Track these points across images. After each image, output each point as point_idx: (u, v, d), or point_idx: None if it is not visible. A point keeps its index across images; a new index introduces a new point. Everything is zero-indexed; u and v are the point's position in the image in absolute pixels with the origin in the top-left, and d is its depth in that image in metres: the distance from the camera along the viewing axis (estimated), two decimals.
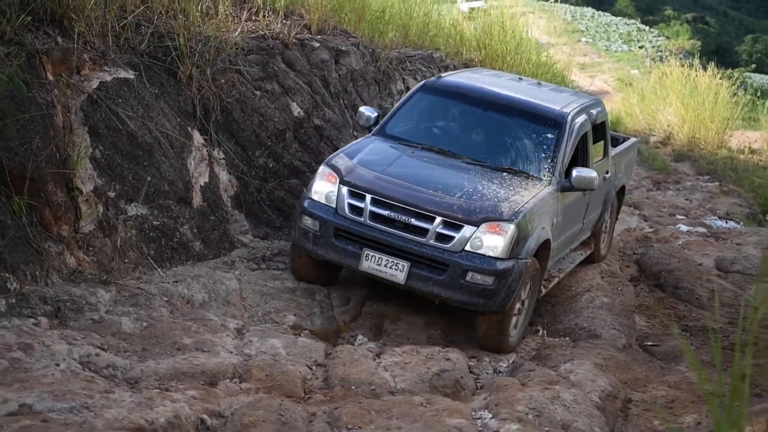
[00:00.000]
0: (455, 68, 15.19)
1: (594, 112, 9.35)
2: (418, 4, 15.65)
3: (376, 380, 6.61)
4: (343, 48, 12.18)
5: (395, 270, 7.29)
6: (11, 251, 6.55)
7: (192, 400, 5.62)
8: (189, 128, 8.89)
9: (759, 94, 32.41)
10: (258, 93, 9.88)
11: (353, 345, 7.50)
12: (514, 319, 7.78)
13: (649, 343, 9.00)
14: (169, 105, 8.76)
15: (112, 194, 7.74)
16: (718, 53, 48.60)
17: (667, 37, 55.58)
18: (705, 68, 28.86)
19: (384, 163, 7.93)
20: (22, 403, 4.97)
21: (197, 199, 8.74)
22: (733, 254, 12.63)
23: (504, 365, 7.59)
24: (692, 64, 28.81)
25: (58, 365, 5.69)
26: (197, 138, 8.92)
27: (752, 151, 23.98)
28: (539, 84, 10.74)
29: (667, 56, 37.77)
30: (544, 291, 8.59)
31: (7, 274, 6.41)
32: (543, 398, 6.49)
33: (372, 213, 7.38)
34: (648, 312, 10.04)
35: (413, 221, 7.27)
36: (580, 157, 8.66)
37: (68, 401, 5.13)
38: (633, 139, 12.47)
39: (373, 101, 12.25)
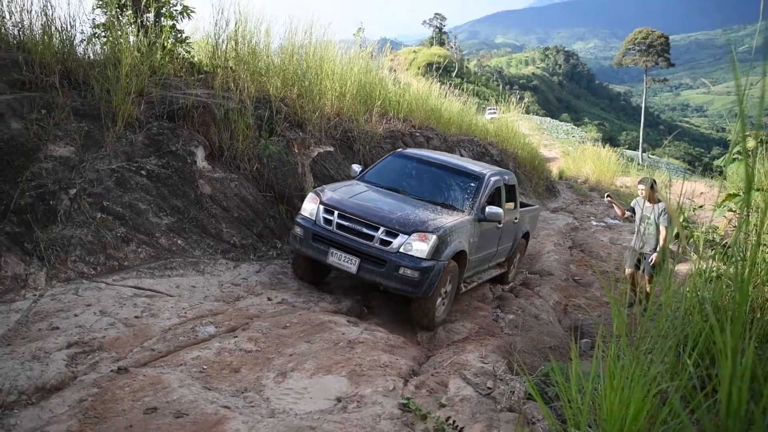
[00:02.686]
0: (484, 146, 14.80)
1: (506, 177, 6.99)
2: (466, 116, 15.34)
3: None
4: (430, 135, 11.94)
5: (350, 264, 5.17)
6: (279, 230, 6.63)
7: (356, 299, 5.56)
8: None
9: (629, 160, 32.13)
10: None
11: None
12: (438, 302, 5.42)
13: (576, 278, 8.53)
14: (348, 163, 8.73)
15: None
16: (610, 140, 46.88)
17: (585, 132, 53.31)
18: (604, 147, 28.14)
19: (353, 193, 5.79)
20: (282, 298, 5.03)
21: None
22: (618, 236, 12.05)
23: (506, 288, 7.29)
24: (597, 145, 27.95)
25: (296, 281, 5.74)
26: None
27: (627, 187, 23.29)
28: (472, 160, 8.42)
29: (585, 141, 36.31)
30: (464, 289, 6.04)
31: (276, 240, 6.49)
32: (525, 303, 6.25)
33: (338, 224, 5.32)
34: (577, 263, 9.54)
35: (364, 230, 5.20)
36: (495, 203, 6.49)
37: (302, 298, 5.16)
38: (537, 206, 9.15)
39: None
